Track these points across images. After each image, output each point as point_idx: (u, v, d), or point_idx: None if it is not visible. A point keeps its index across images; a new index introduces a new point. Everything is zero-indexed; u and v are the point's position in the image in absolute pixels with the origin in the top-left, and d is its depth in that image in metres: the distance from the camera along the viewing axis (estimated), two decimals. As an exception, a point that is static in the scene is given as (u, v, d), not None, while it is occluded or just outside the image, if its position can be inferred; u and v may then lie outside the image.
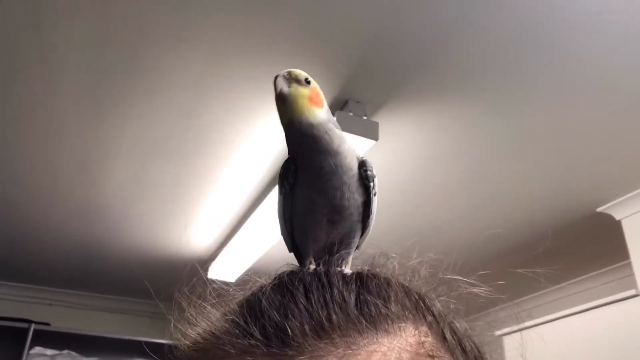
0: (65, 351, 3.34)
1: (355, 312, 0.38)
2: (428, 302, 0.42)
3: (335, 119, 0.57)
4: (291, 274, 0.44)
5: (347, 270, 0.46)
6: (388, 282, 0.43)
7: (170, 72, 1.65)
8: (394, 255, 0.48)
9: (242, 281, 0.46)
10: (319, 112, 0.54)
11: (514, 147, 1.96)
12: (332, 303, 0.38)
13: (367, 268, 0.46)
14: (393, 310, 0.39)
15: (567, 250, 2.75)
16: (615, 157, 1.99)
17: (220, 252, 2.84)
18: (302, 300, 0.38)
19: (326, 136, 0.53)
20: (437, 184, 2.24)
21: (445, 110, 1.77)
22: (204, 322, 0.42)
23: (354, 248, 0.56)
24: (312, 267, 0.49)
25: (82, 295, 3.80)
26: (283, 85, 0.55)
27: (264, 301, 0.39)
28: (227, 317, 0.41)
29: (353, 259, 0.54)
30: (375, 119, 1.78)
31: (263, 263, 2.64)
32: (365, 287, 0.41)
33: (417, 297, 0.42)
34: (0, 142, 2.07)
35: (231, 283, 0.50)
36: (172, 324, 0.45)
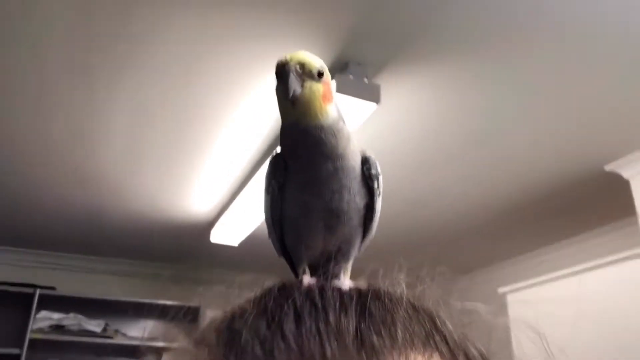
0: (71, 314, 3.38)
1: (355, 344, 0.32)
2: (440, 326, 0.36)
3: (342, 115, 0.50)
4: (280, 292, 0.37)
5: (346, 283, 0.40)
6: (394, 302, 0.37)
7: (162, 35, 1.58)
8: (402, 277, 0.41)
9: (224, 295, 0.40)
10: (331, 110, 0.48)
11: (519, 106, 1.91)
12: (327, 333, 0.33)
13: (369, 285, 0.40)
14: (399, 339, 0.33)
15: (574, 209, 2.74)
16: (623, 116, 1.95)
17: (221, 215, 2.83)
18: (291, 330, 0.33)
19: (333, 140, 0.47)
20: (441, 146, 2.20)
21: (449, 71, 1.72)
22: (175, 350, 0.37)
23: (354, 255, 0.51)
24: (306, 279, 0.43)
25: (86, 258, 3.82)
26: (296, 86, 0.47)
27: (244, 333, 0.33)
28: (201, 345, 0.35)
29: (354, 270, 0.48)
30: (376, 81, 1.73)
31: (266, 228, 2.63)
32: (367, 311, 0.35)
33: (427, 319, 0.36)
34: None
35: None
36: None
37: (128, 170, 2.47)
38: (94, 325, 3.40)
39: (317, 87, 0.48)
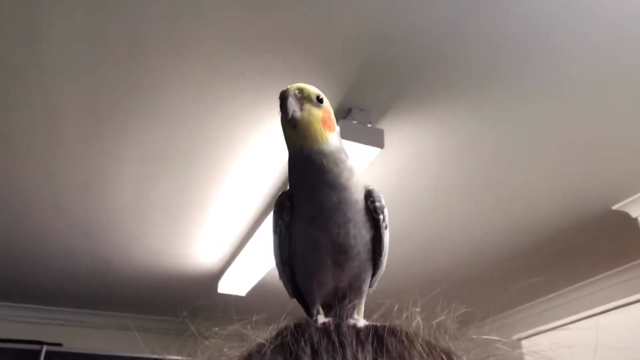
0: (78, 371, 3.32)
1: None
2: None
3: (344, 145, 0.52)
4: (296, 329, 0.37)
5: (361, 321, 0.40)
6: (410, 339, 0.36)
7: (169, 86, 1.62)
8: (418, 309, 0.41)
9: (239, 335, 0.39)
10: (332, 138, 0.49)
11: (524, 148, 1.92)
12: None
13: (384, 322, 0.39)
14: None
15: (583, 250, 2.70)
16: (630, 155, 1.95)
17: (229, 266, 2.81)
18: None
19: (335, 169, 0.48)
20: (445, 189, 2.20)
21: (452, 115, 1.74)
22: None
23: (366, 292, 0.51)
24: (321, 318, 0.43)
25: (93, 313, 3.78)
26: (295, 108, 0.49)
27: None
28: None
29: (369, 309, 0.47)
30: (379, 126, 1.75)
31: (274, 275, 2.61)
32: (384, 347, 0.34)
33: (444, 356, 0.36)
34: (3, 166, 2.05)
35: (225, 343, 0.44)
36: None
37: (135, 221, 2.48)
38: (101, 382, 3.33)
39: (317, 112, 0.50)
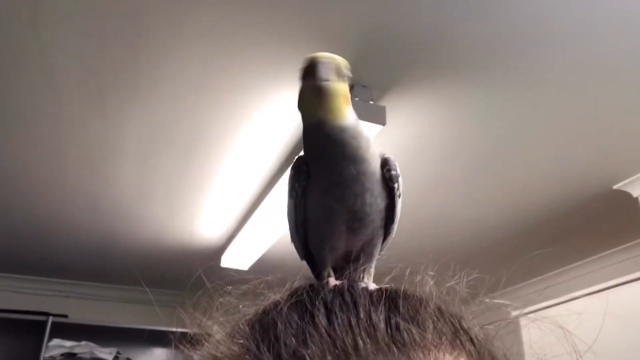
0: (84, 342, 3.38)
1: (386, 338, 0.33)
2: (466, 327, 0.37)
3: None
4: (310, 290, 0.38)
5: (372, 285, 0.40)
6: (422, 303, 0.37)
7: (171, 62, 1.62)
8: (430, 273, 0.41)
9: (253, 294, 0.41)
10: (350, 113, 0.48)
11: (526, 127, 1.92)
12: (359, 327, 0.33)
13: (396, 285, 0.40)
14: (429, 337, 0.34)
15: (584, 229, 2.72)
16: (631, 134, 1.95)
17: (232, 240, 2.84)
18: (323, 323, 0.33)
19: (354, 142, 0.47)
20: (448, 167, 2.21)
21: (455, 92, 1.74)
22: (209, 343, 0.37)
23: (376, 257, 0.51)
24: (332, 281, 0.43)
25: (98, 286, 3.83)
26: (329, 75, 0.47)
27: (279, 323, 0.34)
28: (235, 340, 0.35)
29: (381, 276, 0.47)
30: (382, 103, 1.75)
31: (276, 250, 2.63)
32: (397, 309, 0.35)
33: (455, 321, 0.36)
34: (7, 142, 2.07)
35: (242, 300, 0.45)
36: (172, 344, 0.40)
37: (139, 196, 2.50)
38: (106, 353, 3.40)
39: (344, 86, 0.49)
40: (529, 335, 0.42)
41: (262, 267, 2.83)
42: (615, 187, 2.30)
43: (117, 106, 1.84)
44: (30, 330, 3.29)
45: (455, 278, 0.42)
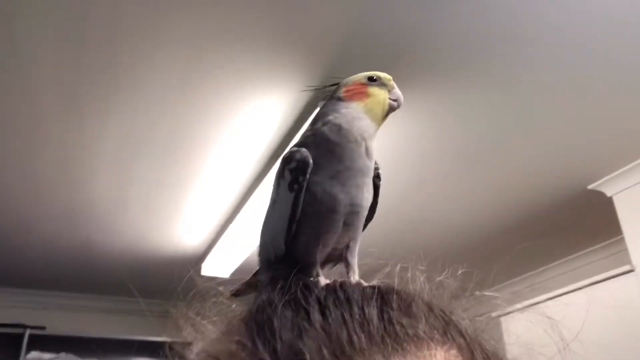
0: (62, 354, 3.32)
1: (380, 332, 0.33)
2: (456, 321, 0.38)
3: None
4: (303, 287, 0.38)
5: (363, 281, 0.41)
6: (412, 298, 0.38)
7: (148, 68, 1.62)
8: (422, 268, 0.43)
9: (241, 288, 0.40)
10: None
11: (502, 128, 1.95)
12: (352, 322, 0.34)
13: (387, 281, 0.41)
14: (421, 330, 0.34)
15: (560, 229, 2.76)
16: (605, 134, 1.99)
17: (212, 247, 2.82)
18: (317, 319, 0.34)
19: (373, 143, 0.52)
20: (426, 172, 2.23)
21: (434, 92, 1.75)
22: (204, 341, 0.38)
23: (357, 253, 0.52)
24: (323, 279, 0.44)
25: (76, 296, 3.77)
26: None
27: (274, 320, 0.34)
28: (230, 338, 0.36)
29: (371, 272, 0.48)
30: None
31: (255, 258, 2.62)
32: (389, 303, 0.36)
33: (444, 315, 0.37)
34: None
35: (230, 296, 0.45)
36: (167, 346, 0.40)
37: (116, 203, 2.47)
38: (86, 365, 3.34)
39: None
40: (515, 327, 0.43)
41: (243, 274, 2.80)
42: (590, 187, 2.34)
43: (94, 112, 1.82)
44: (7, 343, 3.22)
45: (445, 274, 0.43)
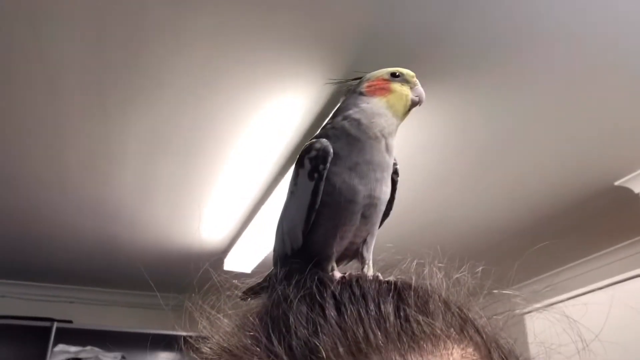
0: (89, 347, 3.38)
1: (396, 329, 0.33)
2: (473, 319, 0.37)
3: None
4: (318, 282, 0.38)
5: (380, 275, 0.41)
6: (429, 295, 0.37)
7: (172, 65, 1.63)
8: (440, 265, 0.42)
9: (260, 287, 0.40)
10: None
11: (526, 125, 1.92)
12: (368, 318, 0.33)
13: (403, 278, 0.40)
14: (438, 327, 0.34)
15: (586, 226, 2.72)
16: (631, 130, 1.95)
17: (235, 243, 2.84)
18: (333, 315, 0.33)
19: (394, 140, 0.53)
20: (448, 166, 2.21)
21: (454, 91, 1.74)
22: (218, 335, 0.37)
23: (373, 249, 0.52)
24: (338, 273, 0.44)
25: (102, 291, 3.84)
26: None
27: (290, 315, 0.34)
28: (246, 332, 0.35)
29: (388, 268, 0.48)
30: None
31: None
32: (405, 300, 0.36)
33: (461, 312, 0.37)
34: (10, 148, 2.08)
35: (247, 290, 0.44)
36: (182, 339, 0.40)
37: (140, 199, 2.51)
38: (111, 358, 3.40)
39: None
40: (534, 326, 0.43)
41: (265, 269, 2.83)
42: (616, 183, 2.30)
43: (118, 110, 1.84)
44: (35, 336, 3.29)
45: (461, 271, 0.42)
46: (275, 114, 1.85)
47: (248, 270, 3.02)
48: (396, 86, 0.57)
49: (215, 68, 1.65)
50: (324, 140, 0.51)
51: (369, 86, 0.56)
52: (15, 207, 2.59)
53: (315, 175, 0.49)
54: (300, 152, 0.52)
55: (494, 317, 0.39)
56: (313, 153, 0.50)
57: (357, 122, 0.51)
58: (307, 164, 0.50)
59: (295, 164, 0.52)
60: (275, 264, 0.55)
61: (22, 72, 1.66)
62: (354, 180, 0.49)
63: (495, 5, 1.41)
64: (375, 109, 0.53)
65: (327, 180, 0.49)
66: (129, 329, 3.45)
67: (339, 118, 0.53)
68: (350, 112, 0.53)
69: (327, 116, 1.82)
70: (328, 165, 0.49)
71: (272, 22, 1.47)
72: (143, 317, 3.66)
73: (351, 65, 1.62)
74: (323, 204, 0.49)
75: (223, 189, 2.39)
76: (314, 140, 0.52)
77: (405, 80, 0.58)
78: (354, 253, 0.51)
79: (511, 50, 1.57)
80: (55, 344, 3.28)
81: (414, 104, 0.57)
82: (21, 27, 1.48)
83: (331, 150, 0.50)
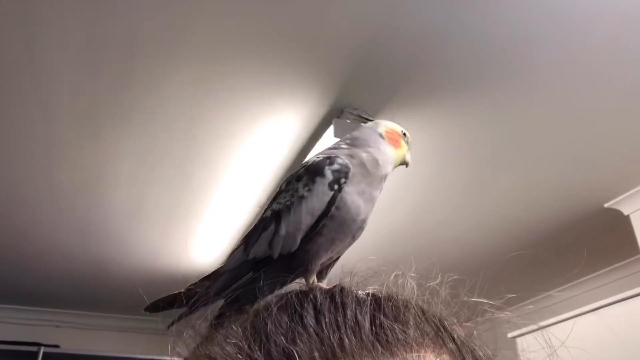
0: (76, 372, 3.32)
1: (370, 337, 0.34)
2: (449, 328, 0.39)
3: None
4: (299, 293, 0.40)
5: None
6: (405, 304, 0.39)
7: (165, 86, 1.64)
8: (412, 274, 0.44)
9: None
10: None
11: (517, 146, 1.94)
12: (345, 326, 0.35)
13: (381, 289, 0.42)
14: (411, 335, 0.35)
15: (576, 248, 2.72)
16: (621, 152, 1.97)
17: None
18: (311, 323, 0.35)
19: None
20: (438, 189, 2.22)
21: (446, 112, 1.76)
22: (204, 344, 0.39)
23: None
24: (322, 285, 0.45)
25: (89, 315, 3.79)
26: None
27: (269, 323, 0.36)
28: (228, 340, 0.37)
29: (367, 277, 0.49)
30: (374, 124, 1.77)
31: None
32: (381, 310, 0.37)
33: (437, 321, 0.38)
34: (0, 167, 2.07)
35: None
36: (169, 346, 0.41)
37: (132, 222, 2.49)
38: (98, 383, 3.34)
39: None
40: (522, 344, 0.43)
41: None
42: (606, 205, 2.31)
43: (110, 130, 1.84)
44: (21, 361, 3.23)
45: (436, 282, 0.44)
46: (267, 136, 1.85)
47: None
48: (404, 144, 0.64)
49: (207, 92, 1.66)
50: (346, 159, 0.56)
51: (388, 133, 0.63)
52: (3, 228, 2.56)
53: (336, 186, 0.53)
54: (318, 162, 0.56)
55: (476, 332, 0.41)
56: (336, 166, 0.54)
57: (376, 162, 0.57)
58: (329, 174, 0.54)
59: (309, 171, 0.55)
60: (234, 267, 0.57)
61: (15, 93, 1.66)
62: (360, 202, 0.54)
63: (493, 21, 1.43)
64: (389, 156, 0.60)
65: (340, 196, 0.54)
66: (118, 353, 3.40)
67: (359, 149, 0.59)
68: (372, 150, 0.59)
69: (318, 139, 1.83)
70: (348, 180, 0.54)
71: (264, 47, 1.49)
72: (131, 341, 3.61)
73: (344, 87, 1.63)
74: (331, 216, 0.53)
75: (215, 211, 2.38)
76: (332, 155, 0.56)
77: (407, 142, 0.65)
78: (321, 269, 0.54)
79: (499, 75, 1.59)
80: (41, 369, 3.22)
81: (404, 163, 0.64)
82: (15, 49, 1.48)
83: (352, 169, 0.55)
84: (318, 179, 0.54)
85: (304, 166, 0.57)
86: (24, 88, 1.63)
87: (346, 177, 0.54)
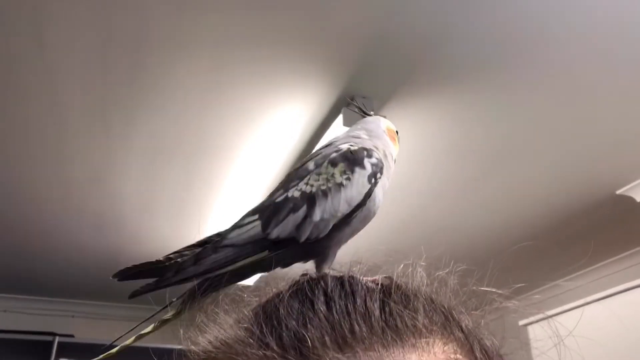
0: (90, 361, 3.36)
1: (380, 323, 0.35)
2: (457, 317, 0.39)
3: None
4: (311, 280, 0.40)
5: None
6: (415, 293, 0.40)
7: (174, 79, 1.64)
8: (422, 264, 0.45)
9: (257, 287, 0.43)
10: None
11: (527, 133, 1.93)
12: (355, 313, 0.35)
13: (390, 277, 0.43)
14: (421, 323, 0.36)
15: (588, 236, 2.71)
16: (633, 138, 1.96)
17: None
18: (322, 309, 0.36)
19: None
20: (449, 177, 2.21)
21: (455, 100, 1.75)
22: (216, 329, 0.39)
23: None
24: (331, 272, 0.46)
25: (103, 305, 3.83)
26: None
27: (281, 309, 0.36)
28: (240, 325, 0.38)
29: (376, 266, 0.50)
30: (382, 113, 1.76)
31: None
32: (391, 297, 0.38)
33: (445, 310, 0.39)
34: (12, 161, 2.09)
35: (246, 288, 0.47)
36: (181, 331, 0.42)
37: (143, 213, 2.51)
38: (112, 372, 3.38)
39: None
40: (535, 335, 0.44)
41: (268, 280, 2.82)
42: (618, 192, 2.29)
43: (121, 123, 1.85)
44: (36, 350, 3.28)
45: (447, 271, 0.45)
46: (276, 126, 1.86)
47: (251, 283, 3.01)
48: (396, 142, 0.67)
49: (217, 81, 1.66)
50: (377, 153, 0.58)
51: (389, 130, 0.65)
52: (18, 221, 2.59)
53: (373, 180, 0.55)
54: (355, 151, 0.57)
55: (484, 321, 0.41)
56: (374, 160, 0.57)
57: (391, 156, 0.61)
58: (369, 167, 0.56)
59: (348, 160, 0.56)
60: (245, 243, 0.57)
61: (26, 88, 1.68)
62: (381, 196, 0.56)
63: (496, 14, 1.42)
64: (394, 150, 0.64)
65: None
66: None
67: (379, 141, 0.62)
68: (391, 149, 0.63)
69: (330, 125, 1.82)
70: (382, 175, 0.56)
71: (276, 34, 1.49)
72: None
73: (353, 75, 1.63)
74: (361, 208, 0.55)
75: (226, 201, 2.39)
76: (369, 148, 0.58)
77: (398, 140, 0.68)
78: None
79: (508, 62, 1.58)
80: (57, 358, 3.26)
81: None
82: (26, 44, 1.49)
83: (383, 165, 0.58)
84: (357, 169, 0.55)
85: (338, 151, 0.57)
86: (36, 86, 1.65)
87: (381, 172, 0.56)
